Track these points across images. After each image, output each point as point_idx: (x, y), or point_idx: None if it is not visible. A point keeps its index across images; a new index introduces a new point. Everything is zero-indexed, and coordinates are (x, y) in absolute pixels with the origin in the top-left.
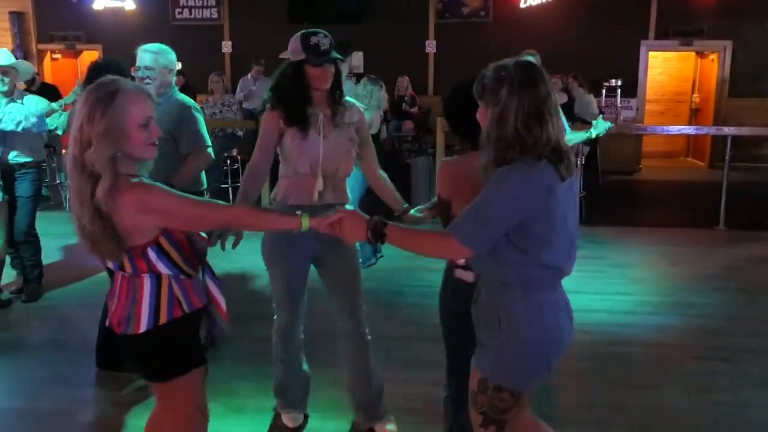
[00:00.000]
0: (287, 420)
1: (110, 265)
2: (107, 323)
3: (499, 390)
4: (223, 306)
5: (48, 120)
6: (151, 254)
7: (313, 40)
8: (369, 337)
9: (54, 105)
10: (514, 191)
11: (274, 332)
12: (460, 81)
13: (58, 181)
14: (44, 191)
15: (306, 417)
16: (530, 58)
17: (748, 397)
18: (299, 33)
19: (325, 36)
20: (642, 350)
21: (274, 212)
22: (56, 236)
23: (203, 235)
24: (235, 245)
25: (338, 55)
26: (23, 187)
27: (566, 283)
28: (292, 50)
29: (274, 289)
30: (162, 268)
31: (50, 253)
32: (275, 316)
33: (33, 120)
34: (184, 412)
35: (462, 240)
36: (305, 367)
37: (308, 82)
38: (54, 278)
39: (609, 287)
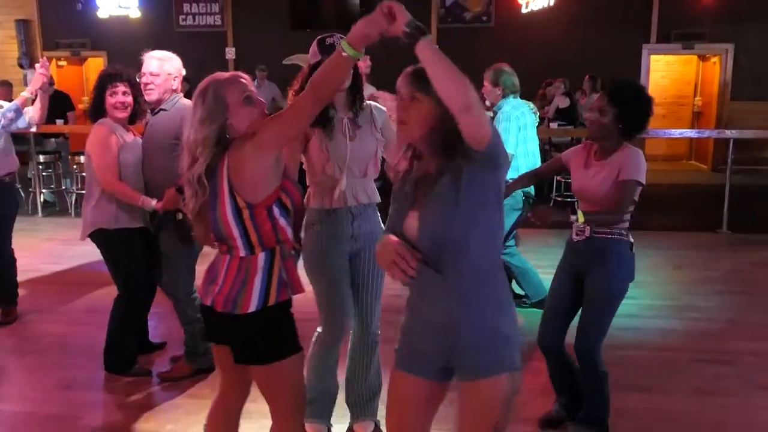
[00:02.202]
0: (311, 431)
1: (236, 243)
2: (209, 302)
3: (510, 381)
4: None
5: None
6: (276, 211)
7: (329, 40)
8: (378, 337)
9: (24, 95)
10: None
11: (314, 342)
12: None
13: (63, 187)
14: (50, 197)
15: (330, 429)
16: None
17: (752, 401)
18: (317, 38)
19: (342, 37)
20: (645, 354)
21: (324, 66)
22: (62, 241)
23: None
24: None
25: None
26: None
27: None
28: (312, 54)
29: (320, 302)
30: (289, 232)
31: (57, 258)
32: (319, 328)
33: (9, 115)
34: (283, 396)
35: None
36: (336, 379)
37: None
38: (60, 283)
39: None
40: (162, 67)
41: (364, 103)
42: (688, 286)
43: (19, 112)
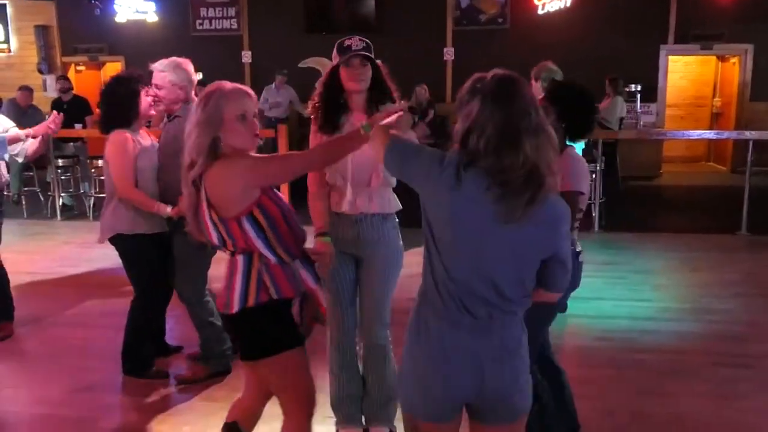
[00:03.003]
0: None
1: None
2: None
3: (404, 415)
4: (321, 296)
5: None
6: (247, 225)
7: (347, 42)
8: (385, 343)
9: (20, 133)
10: (430, 154)
11: (328, 344)
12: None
13: (82, 191)
14: (68, 201)
15: (367, 431)
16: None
17: None
18: (337, 41)
19: (361, 40)
20: (664, 357)
21: (344, 137)
22: (80, 245)
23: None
24: (325, 272)
25: (370, 55)
26: None
27: (587, 289)
28: (334, 58)
29: (326, 302)
30: (259, 245)
31: (75, 261)
32: (329, 330)
33: None
34: (282, 391)
35: (387, 151)
36: (361, 379)
37: (342, 85)
38: (78, 286)
39: (630, 293)
40: (165, 78)
41: (390, 105)
42: (705, 288)
43: (3, 145)
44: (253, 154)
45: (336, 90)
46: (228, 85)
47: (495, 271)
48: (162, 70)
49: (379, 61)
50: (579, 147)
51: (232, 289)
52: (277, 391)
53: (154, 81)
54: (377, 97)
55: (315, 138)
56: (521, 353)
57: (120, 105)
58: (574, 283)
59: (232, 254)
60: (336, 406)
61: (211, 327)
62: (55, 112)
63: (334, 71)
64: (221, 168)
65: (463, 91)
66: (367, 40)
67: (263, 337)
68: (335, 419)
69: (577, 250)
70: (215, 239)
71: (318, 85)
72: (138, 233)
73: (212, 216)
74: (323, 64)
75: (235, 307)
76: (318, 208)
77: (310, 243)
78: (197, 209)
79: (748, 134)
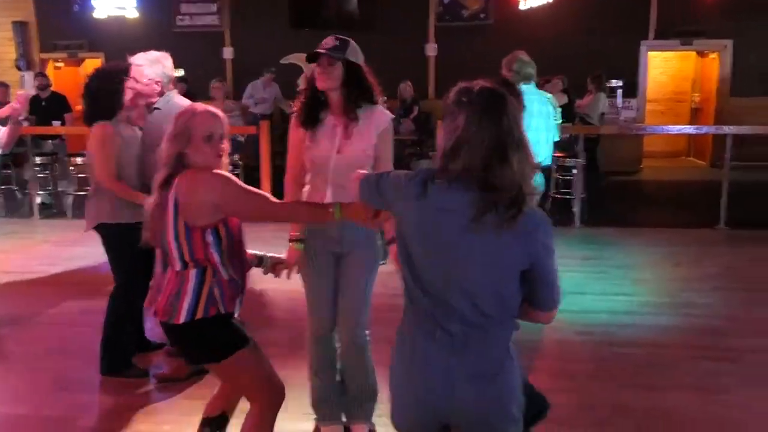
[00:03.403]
0: None
1: (173, 256)
2: (152, 312)
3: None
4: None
5: None
6: (210, 238)
7: (323, 41)
8: (364, 339)
9: None
10: (399, 172)
11: (308, 340)
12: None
13: (60, 189)
14: (47, 199)
15: (346, 429)
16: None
17: (752, 397)
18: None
19: (337, 38)
20: (644, 351)
21: (315, 207)
22: (58, 243)
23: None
24: (289, 276)
25: (335, 53)
26: None
27: (568, 284)
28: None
29: (307, 296)
30: (216, 259)
31: (53, 260)
32: (311, 329)
33: None
34: (244, 386)
35: (360, 184)
36: (339, 378)
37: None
38: (56, 285)
39: (611, 288)
40: (141, 72)
41: (366, 106)
42: (686, 282)
43: None
44: (224, 172)
45: (315, 88)
46: (200, 107)
47: (468, 282)
48: (139, 64)
49: (360, 61)
50: None
51: (180, 300)
52: (238, 390)
53: (132, 74)
54: (355, 96)
55: (294, 131)
56: (503, 378)
57: (103, 98)
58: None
59: (185, 266)
60: (316, 404)
61: None
62: (20, 92)
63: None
64: (200, 176)
65: (449, 101)
66: (346, 39)
67: (210, 344)
68: (315, 416)
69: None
70: (174, 248)
71: (302, 82)
72: (120, 222)
73: (178, 222)
74: (305, 61)
75: (182, 319)
76: None
77: (284, 247)
78: (161, 214)
79: (727, 129)
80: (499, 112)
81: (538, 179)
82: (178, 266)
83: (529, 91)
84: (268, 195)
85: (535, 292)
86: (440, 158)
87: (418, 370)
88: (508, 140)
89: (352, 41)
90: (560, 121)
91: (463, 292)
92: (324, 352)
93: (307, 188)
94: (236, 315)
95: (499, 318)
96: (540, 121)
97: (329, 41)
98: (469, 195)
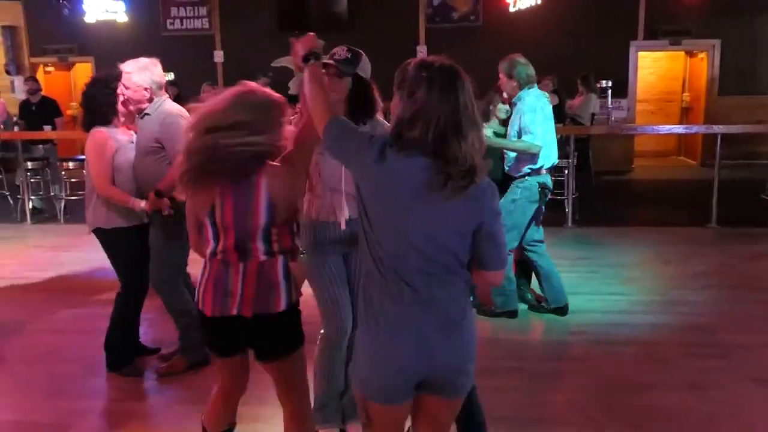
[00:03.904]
0: None
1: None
2: (235, 311)
3: (356, 396)
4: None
5: None
6: (294, 226)
7: (335, 49)
8: None
9: None
10: (363, 132)
11: (319, 345)
12: None
13: (52, 194)
14: (38, 204)
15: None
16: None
17: (742, 393)
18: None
19: (349, 50)
20: (636, 349)
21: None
22: (50, 248)
23: None
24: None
25: (346, 68)
26: None
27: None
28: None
29: (320, 300)
30: (297, 244)
31: (45, 266)
32: (322, 330)
33: None
34: (297, 386)
35: (325, 129)
36: (343, 383)
37: None
38: (48, 291)
39: (602, 287)
40: (130, 79)
41: (368, 122)
42: (677, 280)
43: None
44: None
45: None
46: (261, 91)
47: (421, 243)
48: (129, 72)
49: (369, 76)
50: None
51: (276, 288)
52: (294, 386)
53: (122, 81)
54: (357, 112)
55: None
56: (467, 326)
57: (98, 105)
58: None
59: (271, 255)
60: (319, 408)
61: (190, 316)
62: None
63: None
64: (287, 170)
65: (409, 74)
66: (358, 52)
67: (297, 331)
68: (316, 419)
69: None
70: (261, 241)
71: (292, 86)
72: (115, 227)
73: (274, 217)
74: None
75: (282, 305)
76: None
77: None
78: (242, 209)
79: (717, 128)
80: (456, 88)
81: (547, 180)
82: (262, 257)
83: (539, 94)
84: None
85: (484, 252)
86: (395, 127)
87: (392, 338)
88: (464, 116)
89: (364, 55)
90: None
91: (416, 248)
92: (338, 356)
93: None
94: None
95: (454, 267)
96: (550, 124)
97: (341, 52)
98: (422, 162)
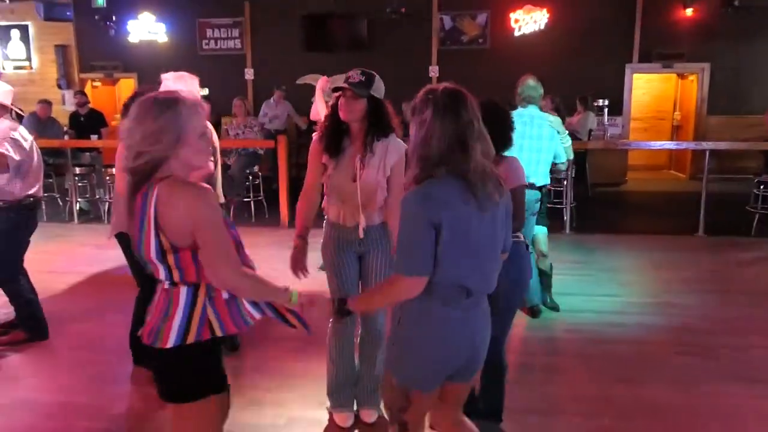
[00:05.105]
0: (339, 420)
1: (160, 275)
2: (139, 332)
3: (394, 386)
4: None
5: None
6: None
7: (349, 73)
8: (383, 330)
9: None
10: (421, 208)
11: (330, 334)
12: (487, 98)
13: (97, 197)
14: (85, 205)
15: (357, 416)
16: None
17: (726, 390)
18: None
19: (362, 73)
20: (628, 347)
21: (270, 286)
22: (95, 246)
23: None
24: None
25: (360, 90)
26: None
27: (558, 286)
28: (321, 87)
29: (330, 289)
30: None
31: (90, 262)
32: (331, 319)
33: None
34: None
35: (408, 273)
36: (356, 367)
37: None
38: (93, 285)
39: (598, 290)
40: (165, 85)
41: (383, 139)
42: (667, 285)
43: None
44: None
45: (338, 116)
46: (182, 96)
47: (485, 255)
48: (166, 79)
49: (382, 95)
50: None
51: (169, 322)
52: None
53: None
54: (374, 130)
55: (314, 154)
56: (491, 320)
57: None
58: (529, 271)
59: (174, 285)
60: (333, 391)
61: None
62: None
63: (339, 98)
64: (183, 188)
65: (417, 99)
66: (371, 74)
67: (193, 377)
68: (329, 403)
69: (527, 242)
70: (159, 266)
71: (323, 124)
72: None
73: (162, 242)
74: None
75: (170, 343)
76: (302, 212)
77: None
78: (137, 225)
79: (705, 145)
80: (458, 108)
81: (533, 197)
82: (166, 284)
83: (525, 114)
84: (234, 253)
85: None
86: (420, 161)
87: (449, 336)
88: (468, 132)
89: (377, 76)
90: (567, 143)
91: (475, 256)
92: (347, 346)
93: (332, 205)
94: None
95: (496, 273)
96: (533, 143)
97: (355, 76)
98: (456, 184)
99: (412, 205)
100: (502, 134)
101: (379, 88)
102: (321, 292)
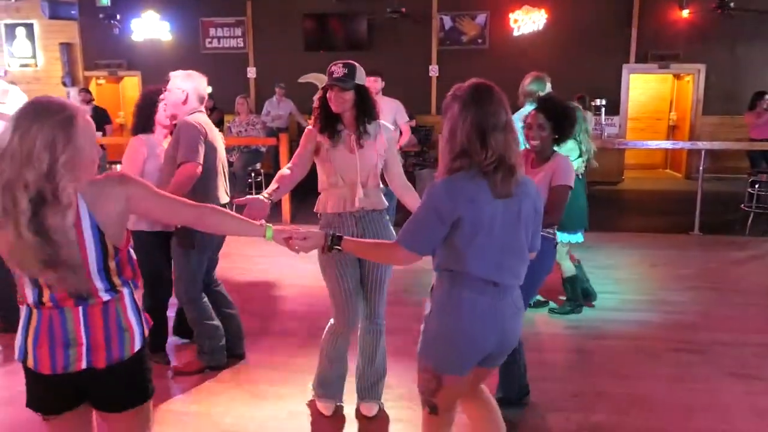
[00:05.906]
0: (323, 408)
1: (96, 290)
2: (84, 364)
3: (426, 370)
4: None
5: None
6: (132, 252)
7: (332, 68)
8: (382, 327)
9: None
10: (439, 199)
11: (327, 331)
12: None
13: None
14: None
15: (338, 405)
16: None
17: (719, 386)
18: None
19: (344, 66)
20: (624, 343)
21: (242, 219)
22: None
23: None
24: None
25: (346, 83)
26: None
27: (555, 283)
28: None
29: (332, 293)
30: (138, 275)
31: None
32: (332, 319)
33: None
34: None
35: (406, 247)
36: (347, 363)
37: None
38: None
39: (595, 286)
40: (172, 81)
41: (372, 123)
42: (663, 282)
43: None
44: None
45: (328, 106)
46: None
47: (510, 251)
48: (175, 76)
49: (374, 78)
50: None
51: (128, 329)
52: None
53: (167, 86)
54: (363, 117)
55: (309, 134)
56: (521, 309)
57: (140, 115)
58: (550, 268)
59: (116, 292)
60: (323, 384)
61: (206, 326)
62: None
63: (326, 90)
64: (101, 183)
65: (447, 98)
66: (352, 65)
67: (149, 370)
68: (314, 393)
69: (556, 240)
70: (97, 278)
71: (315, 99)
72: (139, 230)
73: (106, 247)
74: (320, 79)
75: (137, 346)
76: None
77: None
78: (59, 242)
79: (701, 144)
80: (482, 99)
81: None
82: (105, 296)
83: (527, 111)
84: (183, 199)
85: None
86: (449, 154)
87: (479, 322)
88: (490, 122)
89: (356, 65)
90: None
91: (499, 248)
92: (343, 344)
93: (329, 192)
94: None
95: (524, 264)
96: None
97: (338, 70)
98: (485, 182)
99: (434, 194)
100: (559, 128)
101: (361, 76)
102: (320, 288)
